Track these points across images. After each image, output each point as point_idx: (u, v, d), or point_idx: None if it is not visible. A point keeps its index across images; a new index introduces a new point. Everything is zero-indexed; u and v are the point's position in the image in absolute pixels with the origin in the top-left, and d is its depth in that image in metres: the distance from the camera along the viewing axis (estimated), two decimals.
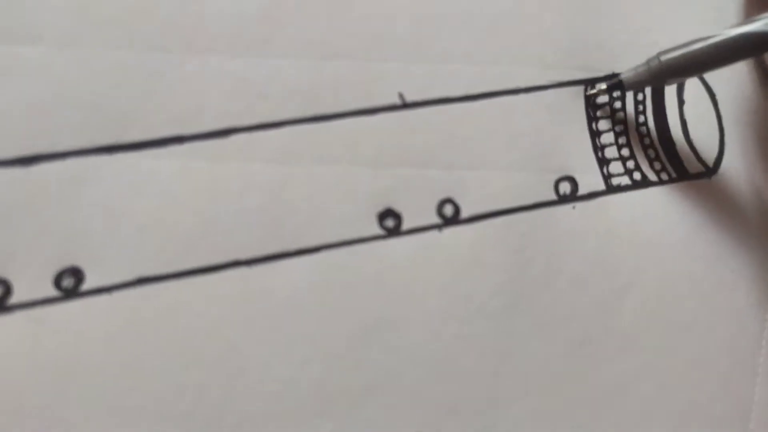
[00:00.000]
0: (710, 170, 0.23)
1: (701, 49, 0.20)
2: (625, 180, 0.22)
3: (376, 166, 0.21)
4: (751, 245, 0.23)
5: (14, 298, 0.18)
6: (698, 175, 0.23)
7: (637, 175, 0.22)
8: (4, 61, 0.19)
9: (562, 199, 0.22)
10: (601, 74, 0.23)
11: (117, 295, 0.18)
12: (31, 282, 0.18)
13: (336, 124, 0.21)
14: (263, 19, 0.21)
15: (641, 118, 0.23)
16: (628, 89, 0.22)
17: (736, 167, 0.23)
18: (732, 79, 0.24)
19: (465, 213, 0.21)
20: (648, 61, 0.21)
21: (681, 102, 0.23)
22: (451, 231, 0.21)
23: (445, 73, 0.21)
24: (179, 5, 0.20)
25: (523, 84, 0.22)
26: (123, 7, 0.20)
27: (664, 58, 0.21)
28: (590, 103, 0.22)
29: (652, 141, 0.23)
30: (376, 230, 0.20)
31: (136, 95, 0.19)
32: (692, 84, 0.23)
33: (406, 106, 0.21)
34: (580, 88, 0.22)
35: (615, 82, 0.22)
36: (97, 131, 0.19)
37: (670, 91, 0.23)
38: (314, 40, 0.21)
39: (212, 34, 0.20)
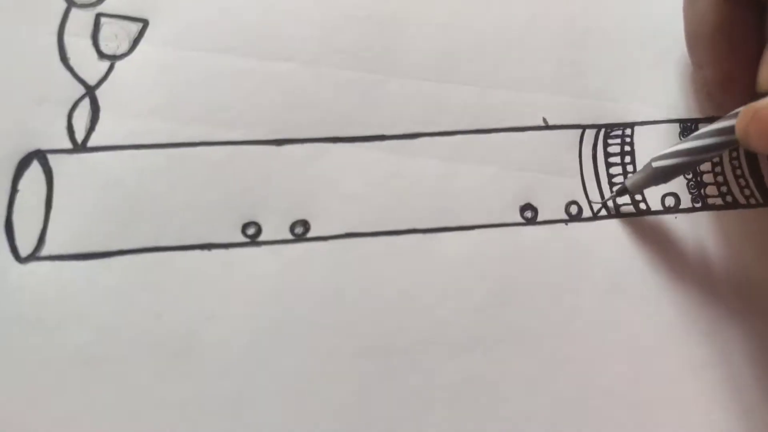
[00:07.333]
0: None
1: (687, 150, 0.24)
2: (718, 201, 0.28)
3: (521, 170, 0.27)
4: None
5: (262, 237, 0.25)
6: None
7: (729, 198, 0.28)
8: (266, 71, 0.27)
9: (667, 210, 0.27)
10: (702, 115, 0.29)
11: (331, 243, 0.25)
12: (274, 227, 0.25)
13: (494, 136, 0.27)
14: (447, 56, 0.28)
15: (734, 153, 0.28)
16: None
17: None
18: None
19: (586, 213, 0.27)
20: (644, 168, 0.26)
21: None
22: (574, 226, 0.27)
23: (581, 106, 0.28)
24: (391, 40, 0.28)
25: (640, 119, 0.28)
26: (351, 39, 0.28)
27: (655, 163, 0.25)
28: None
29: (743, 172, 0.28)
30: (518, 218, 0.27)
31: (355, 103, 0.27)
32: None
33: (548, 127, 0.28)
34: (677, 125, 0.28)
35: (622, 188, 0.26)
36: (327, 126, 0.27)
37: None
38: (483, 73, 0.28)
39: (410, 63, 0.28)
